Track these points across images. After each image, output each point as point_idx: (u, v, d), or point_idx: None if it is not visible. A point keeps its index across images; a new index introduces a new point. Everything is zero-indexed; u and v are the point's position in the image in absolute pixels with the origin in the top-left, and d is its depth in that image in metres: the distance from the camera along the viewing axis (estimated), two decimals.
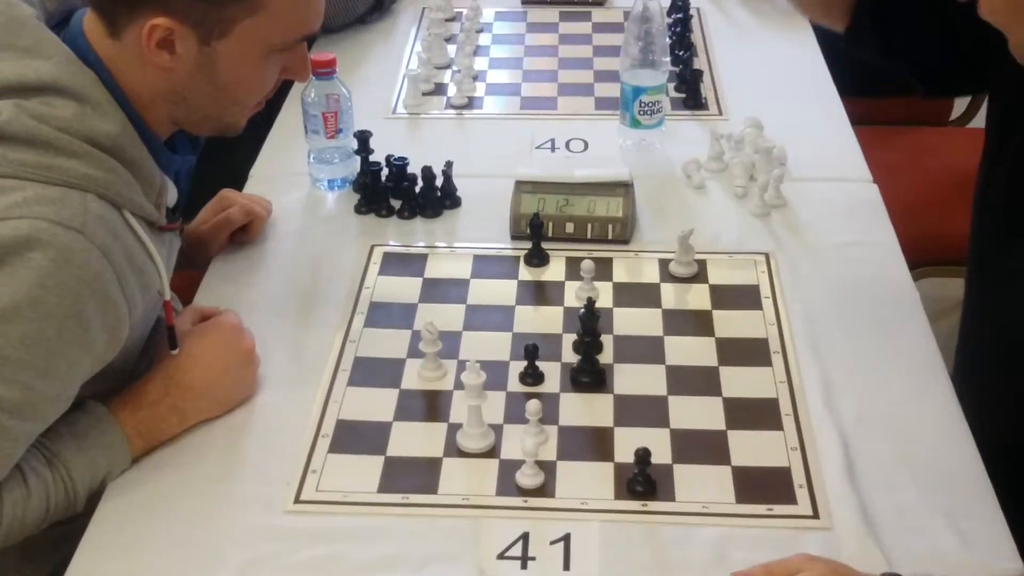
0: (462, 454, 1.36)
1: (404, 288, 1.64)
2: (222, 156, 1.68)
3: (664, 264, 1.68)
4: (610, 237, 1.72)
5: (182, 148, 1.45)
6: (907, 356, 1.50)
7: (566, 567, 1.22)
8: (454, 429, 1.38)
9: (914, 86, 1.53)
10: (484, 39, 2.37)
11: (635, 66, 1.91)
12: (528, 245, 1.70)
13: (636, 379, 1.47)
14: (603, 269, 1.66)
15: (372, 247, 1.73)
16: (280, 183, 1.89)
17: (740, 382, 1.46)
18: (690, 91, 2.11)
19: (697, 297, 1.62)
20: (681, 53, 2.19)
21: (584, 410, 1.42)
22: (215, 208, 1.72)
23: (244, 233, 1.73)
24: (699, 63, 2.22)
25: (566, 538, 1.25)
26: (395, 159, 1.84)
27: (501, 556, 1.23)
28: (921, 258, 2.20)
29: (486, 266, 1.69)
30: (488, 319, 1.58)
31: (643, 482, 1.30)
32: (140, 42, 1.27)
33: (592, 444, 1.37)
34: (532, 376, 1.46)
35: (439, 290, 1.64)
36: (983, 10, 1.21)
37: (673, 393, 1.44)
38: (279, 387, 1.46)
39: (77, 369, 1.26)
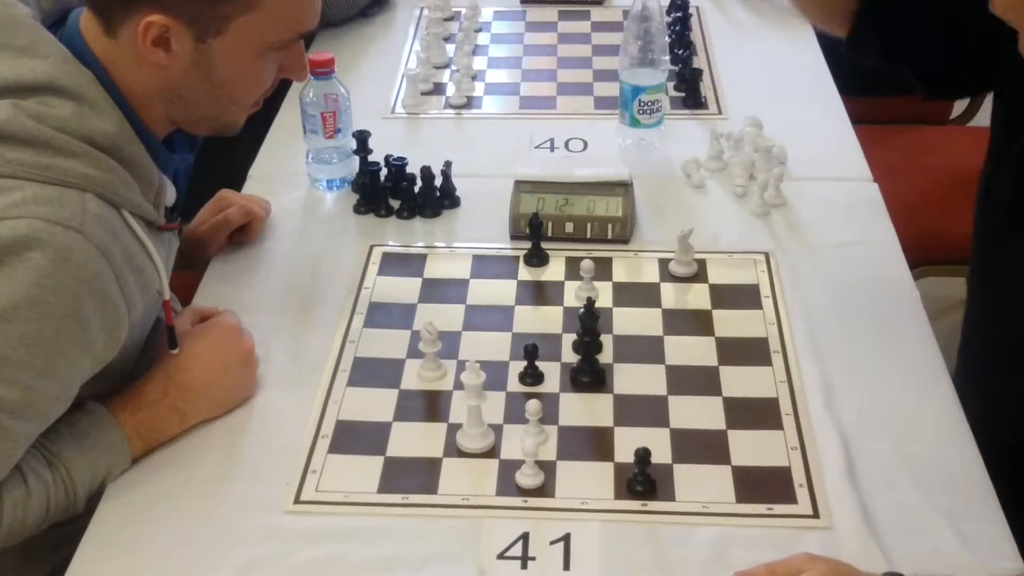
0: (462, 454, 1.36)
1: (403, 288, 1.64)
2: (220, 156, 1.68)
3: (664, 264, 1.68)
4: (610, 237, 1.72)
5: (180, 147, 1.45)
6: (907, 355, 1.50)
7: (566, 567, 1.22)
8: (454, 429, 1.38)
9: (915, 87, 1.53)
10: (483, 38, 2.36)
11: (634, 65, 1.91)
12: (527, 245, 1.70)
13: (636, 379, 1.47)
14: (603, 269, 1.65)
15: (371, 247, 1.73)
16: (279, 183, 1.89)
17: (740, 382, 1.46)
18: (689, 90, 2.10)
19: (697, 297, 1.62)
20: (680, 52, 2.19)
21: (584, 410, 1.42)
22: (214, 208, 1.72)
23: (243, 233, 1.73)
24: (698, 62, 2.22)
25: (566, 538, 1.25)
26: (394, 159, 1.83)
27: (501, 556, 1.23)
28: (921, 257, 2.20)
29: (485, 266, 1.69)
30: (488, 319, 1.58)
31: (643, 482, 1.30)
32: (136, 40, 1.26)
33: (592, 444, 1.37)
34: (532, 376, 1.46)
35: (438, 290, 1.64)
36: (996, 7, 1.20)
37: (673, 393, 1.44)
38: (279, 387, 1.46)
39: (77, 369, 1.26)
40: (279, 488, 1.32)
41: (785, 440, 1.37)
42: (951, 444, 1.37)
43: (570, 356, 1.50)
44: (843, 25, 1.53)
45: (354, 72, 2.18)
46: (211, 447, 1.38)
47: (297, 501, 1.30)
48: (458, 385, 1.43)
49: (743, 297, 1.61)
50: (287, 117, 2.05)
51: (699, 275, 1.65)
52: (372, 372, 1.48)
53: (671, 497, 1.30)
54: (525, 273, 1.68)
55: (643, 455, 1.29)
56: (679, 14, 2.32)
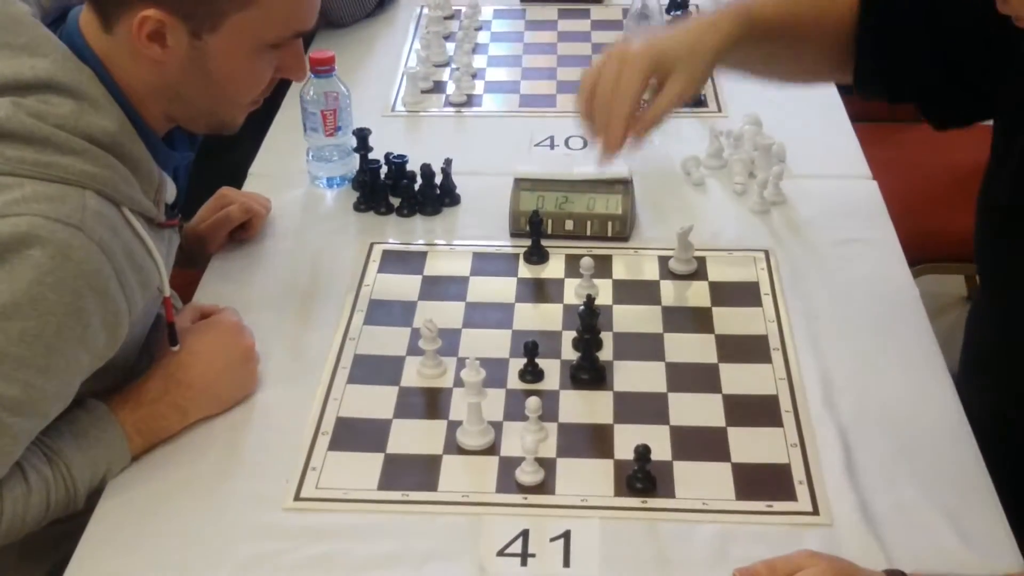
0: (462, 451, 1.36)
1: (403, 286, 1.64)
2: (221, 154, 1.68)
3: (664, 261, 1.68)
4: (609, 234, 1.72)
5: (180, 145, 1.45)
6: (907, 353, 1.50)
7: (566, 564, 1.22)
8: (454, 426, 1.38)
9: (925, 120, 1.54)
10: (483, 37, 2.36)
11: None
12: (527, 242, 1.70)
13: (636, 376, 1.47)
14: (602, 266, 1.66)
15: (371, 245, 1.73)
16: (279, 181, 1.89)
17: (740, 379, 1.46)
18: None
19: (697, 294, 1.62)
20: None
21: (584, 407, 1.42)
22: (214, 206, 1.72)
23: (243, 231, 1.73)
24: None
25: (566, 535, 1.25)
26: (394, 157, 1.84)
27: (501, 553, 1.23)
28: (921, 255, 2.20)
29: (485, 263, 1.69)
30: (488, 316, 1.58)
31: (643, 479, 1.30)
32: (132, 35, 1.26)
33: (592, 441, 1.37)
34: (532, 373, 1.46)
35: (438, 288, 1.64)
36: (1010, 6, 1.20)
37: (673, 390, 1.44)
38: (279, 385, 1.46)
39: (77, 366, 1.26)
40: (279, 485, 1.32)
41: (785, 437, 1.37)
42: (951, 441, 1.37)
43: (570, 353, 1.50)
44: (846, 75, 1.54)
45: (354, 70, 2.18)
46: (211, 444, 1.38)
47: (297, 498, 1.30)
48: (458, 382, 1.43)
49: (743, 294, 1.61)
50: (287, 115, 2.05)
51: (699, 273, 1.65)
52: (372, 369, 1.49)
53: (671, 494, 1.30)
54: (525, 270, 1.68)
55: (643, 452, 1.29)
56: (678, 12, 2.32)
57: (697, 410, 1.41)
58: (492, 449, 1.36)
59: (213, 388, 1.40)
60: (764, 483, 1.31)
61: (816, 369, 1.47)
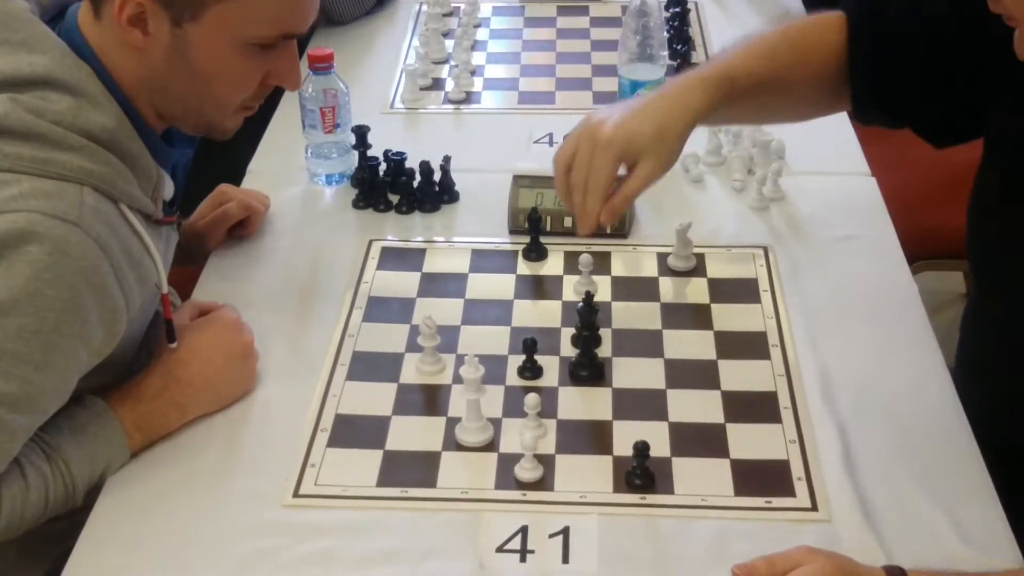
0: (461, 448, 1.36)
1: (402, 283, 1.64)
2: (220, 151, 1.67)
3: (662, 258, 1.68)
4: (608, 231, 1.72)
5: (179, 142, 1.44)
6: (905, 349, 1.51)
7: (565, 560, 1.22)
8: (453, 423, 1.38)
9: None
10: (482, 34, 2.36)
11: (633, 60, 1.91)
12: (526, 239, 1.70)
13: (635, 372, 1.47)
14: (601, 263, 1.66)
15: (370, 242, 1.73)
16: (278, 178, 1.89)
17: (739, 375, 1.46)
18: None
19: (695, 291, 1.62)
20: (679, 47, 2.19)
21: (583, 404, 1.42)
22: (213, 203, 1.72)
23: (242, 228, 1.73)
24: (697, 57, 2.22)
25: (565, 531, 1.25)
26: (393, 154, 1.83)
27: (500, 549, 1.23)
28: (919, 252, 2.20)
29: (484, 260, 1.69)
30: (486, 313, 1.58)
31: (642, 475, 1.30)
32: (114, 18, 1.26)
33: (591, 437, 1.37)
34: (531, 370, 1.46)
35: (437, 284, 1.64)
36: (1003, 4, 1.21)
37: (672, 386, 1.44)
38: (278, 381, 1.46)
39: (75, 362, 1.26)
40: (278, 482, 1.32)
41: (784, 433, 1.37)
42: (949, 437, 1.37)
43: (569, 350, 1.50)
44: (845, 105, 1.55)
45: (353, 67, 2.18)
46: (210, 441, 1.38)
47: (296, 495, 1.30)
48: (457, 379, 1.44)
49: (742, 291, 1.61)
50: (286, 112, 2.05)
51: (698, 269, 1.66)
52: (371, 366, 1.49)
53: (670, 490, 1.30)
54: (524, 267, 1.68)
55: (642, 448, 1.29)
56: (677, 9, 2.31)
57: (696, 406, 1.41)
58: (491, 446, 1.36)
59: (212, 385, 1.40)
60: (763, 479, 1.31)
61: (815, 365, 1.47)
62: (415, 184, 1.80)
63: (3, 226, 1.18)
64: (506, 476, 1.32)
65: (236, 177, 1.87)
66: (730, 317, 1.56)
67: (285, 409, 1.42)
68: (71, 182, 1.23)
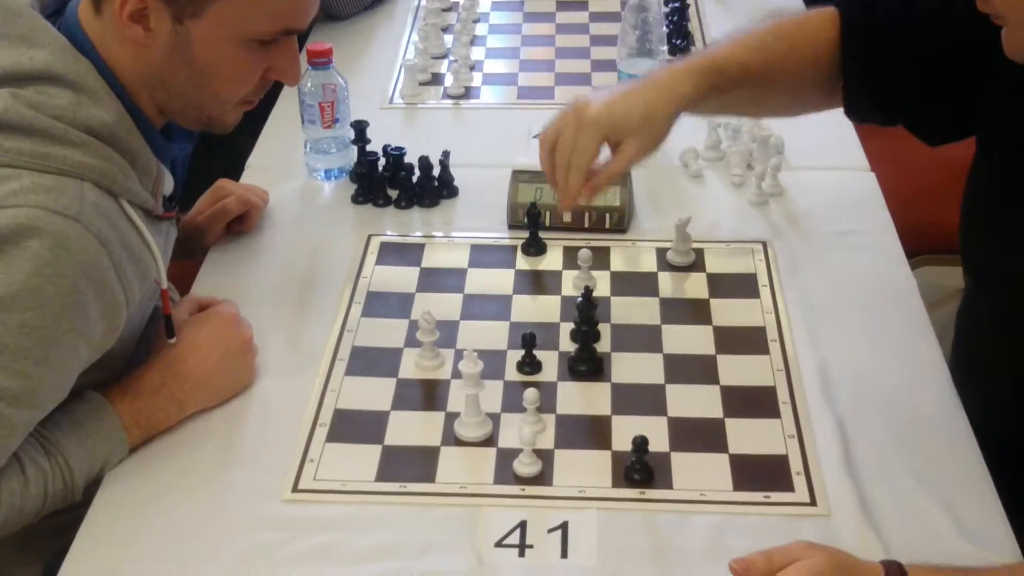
0: (460, 443, 1.36)
1: (401, 278, 1.64)
2: (219, 146, 1.68)
3: (661, 253, 1.68)
4: (607, 226, 1.72)
5: (179, 137, 1.44)
6: (904, 344, 1.51)
7: (563, 555, 1.22)
8: (452, 418, 1.38)
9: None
10: (481, 29, 2.36)
11: (632, 55, 1.91)
12: (525, 234, 1.70)
13: (634, 367, 1.47)
14: (600, 258, 1.66)
15: (369, 237, 1.73)
16: (277, 173, 1.89)
17: (737, 370, 1.46)
18: None
19: (695, 286, 1.62)
20: (678, 42, 2.19)
21: (582, 399, 1.43)
22: (212, 198, 1.72)
23: (241, 223, 1.73)
24: (696, 52, 2.21)
25: (564, 526, 1.25)
26: (392, 149, 1.83)
27: (499, 544, 1.23)
28: (918, 246, 2.20)
29: (483, 255, 1.69)
30: (485, 308, 1.58)
31: (640, 470, 1.30)
32: (115, 14, 1.26)
33: (590, 432, 1.38)
34: (530, 365, 1.46)
35: (436, 279, 1.64)
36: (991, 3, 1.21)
37: (671, 381, 1.44)
38: (277, 376, 1.46)
39: (75, 357, 1.26)
40: (277, 477, 1.32)
41: (782, 428, 1.37)
42: (948, 432, 1.37)
43: (568, 345, 1.50)
44: (837, 103, 1.55)
45: (352, 62, 2.18)
46: (209, 436, 1.38)
47: (295, 490, 1.30)
48: (456, 374, 1.44)
49: (741, 286, 1.61)
50: (285, 107, 2.05)
51: (697, 264, 1.66)
52: (370, 361, 1.49)
53: (668, 485, 1.30)
54: (523, 262, 1.68)
55: (641, 443, 1.29)
56: (676, 4, 2.31)
57: (695, 401, 1.41)
58: (490, 440, 1.36)
59: (211, 380, 1.40)
60: (762, 474, 1.31)
61: (814, 360, 1.47)
62: (414, 179, 1.80)
63: (4, 221, 1.18)
64: (505, 471, 1.32)
65: (235, 172, 1.87)
66: (729, 312, 1.57)
67: (284, 404, 1.42)
68: (71, 177, 1.23)
